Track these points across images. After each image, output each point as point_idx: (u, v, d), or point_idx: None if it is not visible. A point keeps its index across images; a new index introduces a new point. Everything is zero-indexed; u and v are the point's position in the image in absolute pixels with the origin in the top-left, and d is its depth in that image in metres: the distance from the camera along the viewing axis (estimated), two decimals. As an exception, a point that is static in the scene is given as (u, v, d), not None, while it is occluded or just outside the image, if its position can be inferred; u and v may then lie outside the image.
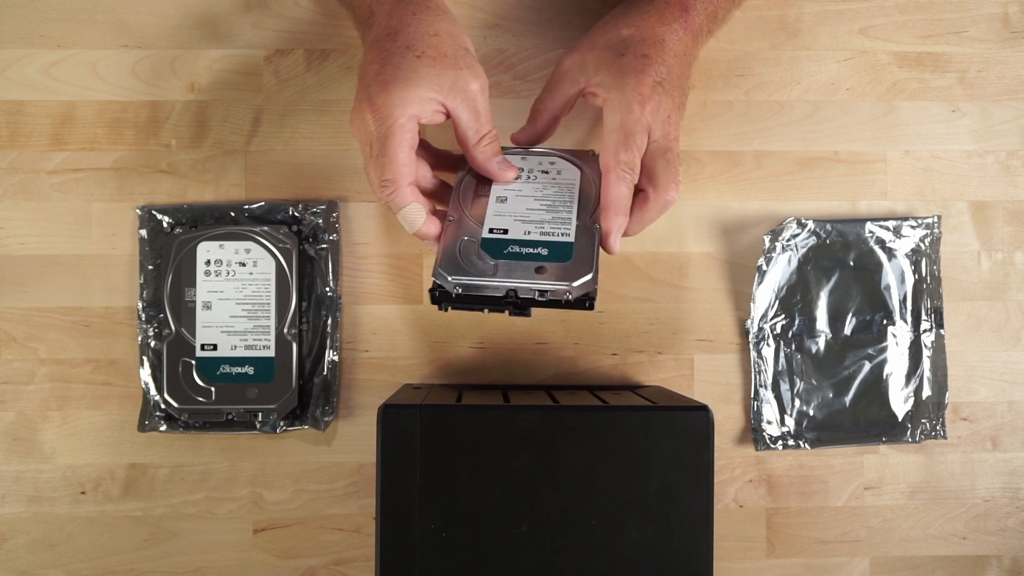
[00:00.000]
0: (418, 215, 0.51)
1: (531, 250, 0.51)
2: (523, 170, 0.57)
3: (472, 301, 0.50)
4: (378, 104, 0.50)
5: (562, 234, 0.52)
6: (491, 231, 0.52)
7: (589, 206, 0.54)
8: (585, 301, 0.50)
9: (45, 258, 0.63)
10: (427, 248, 0.64)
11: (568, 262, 0.51)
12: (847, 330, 0.64)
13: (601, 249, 0.52)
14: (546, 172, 0.57)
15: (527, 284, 0.50)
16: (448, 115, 0.52)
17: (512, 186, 0.55)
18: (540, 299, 0.50)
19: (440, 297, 0.50)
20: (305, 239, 0.63)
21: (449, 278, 0.50)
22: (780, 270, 0.64)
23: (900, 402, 0.64)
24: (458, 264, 0.51)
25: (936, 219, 0.65)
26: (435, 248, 0.53)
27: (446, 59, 0.51)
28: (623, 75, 0.52)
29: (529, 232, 0.52)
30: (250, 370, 0.61)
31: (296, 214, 0.63)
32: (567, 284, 0.50)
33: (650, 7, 0.55)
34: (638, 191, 0.53)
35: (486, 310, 0.51)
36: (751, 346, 0.64)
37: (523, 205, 0.54)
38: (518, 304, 0.50)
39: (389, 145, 0.50)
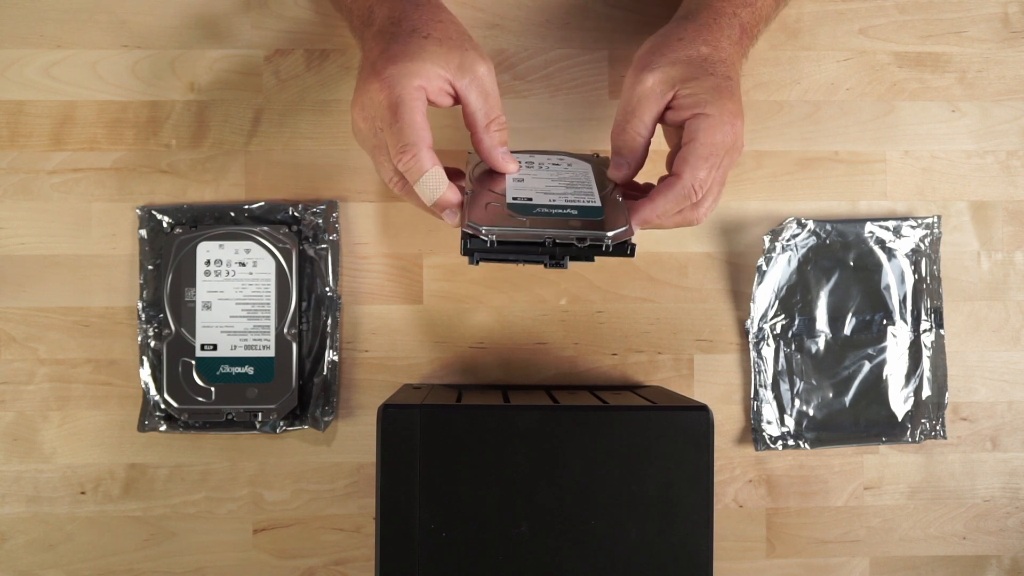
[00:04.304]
0: (440, 180, 0.49)
1: (560, 210, 0.50)
2: (533, 163, 0.56)
3: (507, 251, 0.48)
4: (385, 76, 0.49)
5: (588, 201, 0.51)
6: (515, 199, 0.51)
7: (606, 187, 0.53)
8: (626, 247, 0.48)
9: (45, 258, 0.63)
10: (427, 248, 0.64)
11: (600, 219, 0.49)
12: (847, 330, 0.64)
13: None
14: (557, 164, 0.56)
15: (565, 232, 0.47)
16: (455, 99, 0.51)
17: (526, 171, 0.54)
18: (579, 245, 0.47)
19: (473, 246, 0.48)
20: (305, 239, 0.63)
21: (483, 228, 0.47)
22: (780, 270, 0.64)
23: (900, 402, 0.64)
24: (488, 219, 0.48)
25: (936, 219, 0.65)
26: (455, 221, 0.50)
27: (451, 41, 0.51)
28: (719, 94, 0.51)
29: (554, 199, 0.51)
30: (250, 370, 0.61)
31: (296, 214, 0.63)
32: (604, 232, 0.48)
33: (715, 25, 0.54)
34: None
35: (520, 262, 0.48)
36: (751, 346, 0.64)
37: (542, 183, 0.53)
38: (555, 254, 0.48)
39: (403, 110, 0.48)
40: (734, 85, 0.52)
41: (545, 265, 0.49)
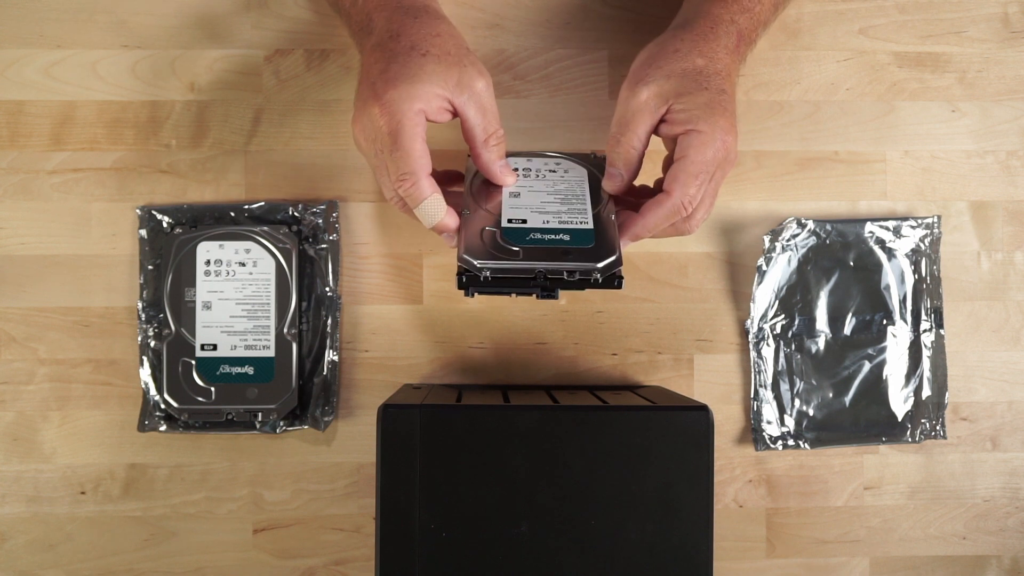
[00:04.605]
0: (439, 207, 0.51)
1: (553, 236, 0.51)
2: (531, 170, 0.57)
3: (501, 284, 0.50)
4: (386, 100, 0.50)
5: (580, 222, 0.52)
6: (510, 221, 0.52)
7: (601, 200, 0.54)
8: (614, 280, 0.50)
9: (45, 258, 0.63)
10: (427, 248, 0.64)
11: (591, 246, 0.51)
12: (847, 330, 0.64)
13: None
14: (553, 171, 0.57)
15: (555, 265, 0.50)
16: (454, 114, 0.52)
17: (523, 182, 0.56)
18: (569, 279, 0.50)
19: (468, 281, 0.50)
20: (305, 239, 0.63)
21: (476, 262, 0.50)
22: (780, 270, 0.64)
23: (900, 402, 0.64)
24: (483, 250, 0.51)
25: (936, 219, 0.65)
26: (452, 242, 0.53)
27: (450, 57, 0.51)
28: (712, 110, 0.51)
29: (548, 221, 0.52)
30: (250, 370, 0.61)
31: (296, 214, 0.63)
32: (594, 264, 0.50)
33: (712, 34, 0.55)
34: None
35: (514, 294, 0.51)
36: (751, 346, 0.64)
37: (537, 199, 0.54)
38: (546, 286, 0.50)
39: (403, 138, 0.49)
40: (728, 99, 0.53)
41: (537, 296, 0.50)
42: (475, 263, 0.50)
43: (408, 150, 0.49)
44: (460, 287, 0.50)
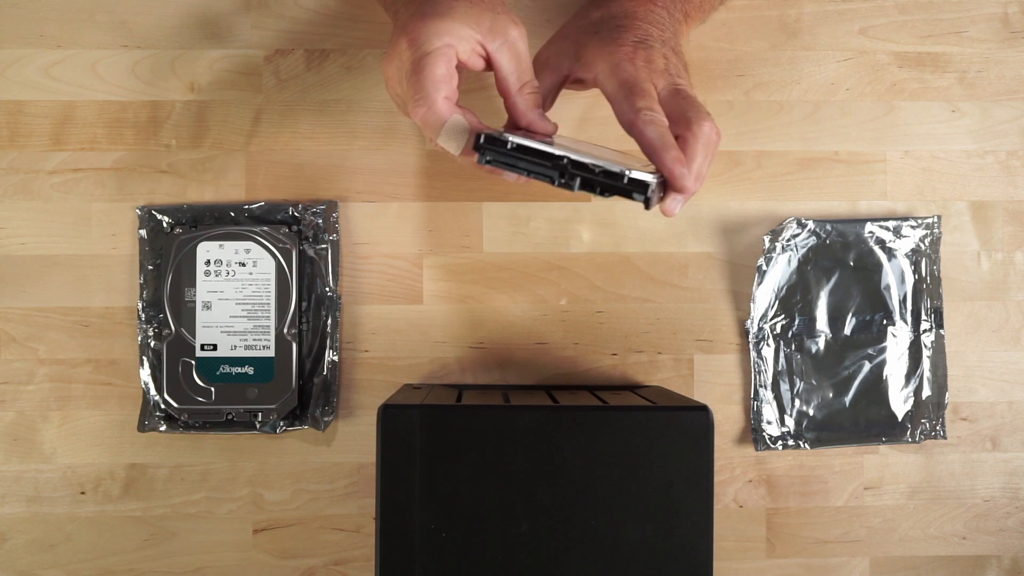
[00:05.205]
0: (461, 128, 0.47)
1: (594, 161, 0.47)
2: (592, 145, 0.54)
3: (519, 158, 0.46)
4: (414, 33, 0.48)
5: (630, 168, 0.48)
6: (552, 146, 0.48)
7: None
8: (644, 186, 0.45)
9: (45, 258, 0.63)
10: (427, 248, 0.64)
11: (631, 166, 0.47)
12: (847, 330, 0.64)
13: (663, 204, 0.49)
14: (614, 151, 0.55)
15: (585, 157, 0.46)
16: (487, 62, 0.50)
17: (577, 143, 0.53)
18: (594, 172, 0.45)
19: (486, 142, 0.46)
20: (305, 239, 0.63)
21: (505, 133, 0.46)
22: (780, 270, 0.64)
23: (900, 402, 0.64)
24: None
25: (936, 219, 0.65)
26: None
27: (484, 3, 0.50)
28: (602, 46, 0.52)
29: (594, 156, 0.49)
30: (250, 370, 0.61)
31: (296, 214, 0.63)
32: (627, 168, 0.46)
33: None
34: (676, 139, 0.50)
35: (531, 175, 0.46)
36: (751, 346, 0.64)
37: (590, 149, 0.51)
38: (566, 171, 0.45)
39: (422, 64, 0.47)
40: (622, 30, 0.52)
41: (553, 181, 0.46)
42: (504, 132, 0.46)
43: (427, 74, 0.47)
44: (476, 148, 0.46)
